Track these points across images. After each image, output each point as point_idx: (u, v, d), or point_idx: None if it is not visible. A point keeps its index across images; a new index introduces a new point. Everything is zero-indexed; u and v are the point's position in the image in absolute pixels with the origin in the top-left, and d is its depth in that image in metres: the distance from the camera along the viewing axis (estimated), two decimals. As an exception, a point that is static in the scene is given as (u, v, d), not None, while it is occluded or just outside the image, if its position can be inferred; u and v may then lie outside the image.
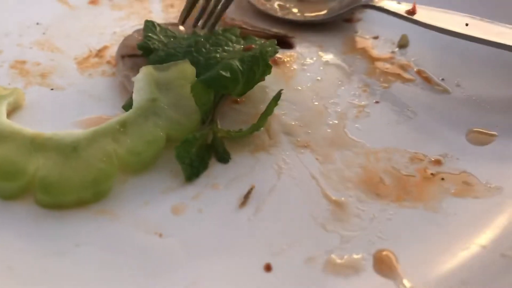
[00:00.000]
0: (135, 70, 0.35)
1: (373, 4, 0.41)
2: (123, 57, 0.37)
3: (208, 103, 0.31)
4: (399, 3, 0.40)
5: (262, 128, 0.31)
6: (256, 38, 0.37)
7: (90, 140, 0.28)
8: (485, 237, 0.26)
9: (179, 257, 0.26)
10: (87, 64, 0.39)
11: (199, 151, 0.29)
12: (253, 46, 0.34)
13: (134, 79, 0.31)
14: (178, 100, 0.30)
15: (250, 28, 0.42)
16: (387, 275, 0.24)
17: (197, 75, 0.32)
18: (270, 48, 0.34)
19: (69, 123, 0.33)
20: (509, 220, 0.27)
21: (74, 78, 0.38)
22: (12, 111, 0.33)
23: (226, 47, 0.34)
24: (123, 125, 0.29)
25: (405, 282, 0.24)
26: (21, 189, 0.28)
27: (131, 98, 0.31)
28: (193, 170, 0.29)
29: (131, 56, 0.37)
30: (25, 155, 0.28)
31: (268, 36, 0.41)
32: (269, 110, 0.31)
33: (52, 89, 0.37)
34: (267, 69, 0.33)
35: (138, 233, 0.26)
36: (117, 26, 0.43)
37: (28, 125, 0.32)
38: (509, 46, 0.34)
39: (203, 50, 0.34)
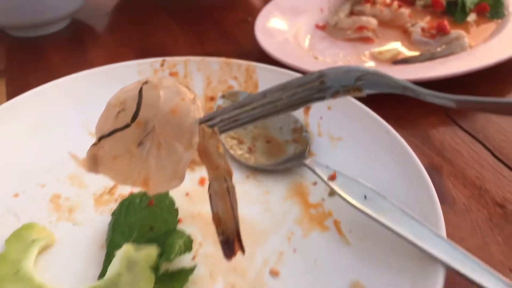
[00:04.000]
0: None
1: (308, 165, 0.56)
2: (100, 139, 0.39)
3: None
4: (327, 167, 0.55)
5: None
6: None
7: None
8: None
9: None
10: (101, 201, 0.56)
11: None
12: (153, 200, 0.50)
13: (116, 253, 0.47)
14: (134, 280, 0.44)
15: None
16: None
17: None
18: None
19: (81, 259, 0.50)
20: None
21: (89, 215, 0.55)
22: (44, 249, 0.51)
23: (135, 210, 0.50)
24: None
25: None
26: None
27: (105, 268, 0.47)
28: None
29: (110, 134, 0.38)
30: None
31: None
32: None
33: (74, 224, 0.54)
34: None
35: None
36: (127, 164, 0.60)
37: (53, 261, 0.49)
38: (385, 225, 0.48)
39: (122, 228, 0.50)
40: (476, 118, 0.70)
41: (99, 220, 0.54)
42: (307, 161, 0.56)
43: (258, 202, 0.56)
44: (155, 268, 0.46)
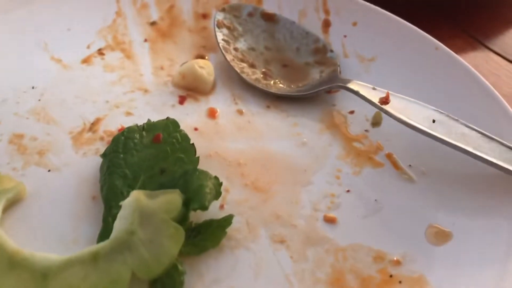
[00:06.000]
0: None
1: (350, 87, 0.44)
2: None
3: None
4: (374, 88, 0.44)
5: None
6: (155, 122, 0.40)
7: (60, 269, 0.30)
8: None
9: None
10: (82, 140, 0.42)
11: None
12: (160, 134, 0.39)
13: (122, 203, 0.34)
14: (155, 237, 0.32)
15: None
16: None
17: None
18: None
19: (66, 216, 0.36)
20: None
21: (69, 158, 0.40)
22: (12, 203, 0.36)
23: (136, 147, 0.38)
24: (95, 257, 0.31)
25: None
26: None
27: (107, 225, 0.34)
28: None
29: None
30: (0, 274, 0.30)
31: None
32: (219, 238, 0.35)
33: (49, 170, 0.39)
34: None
35: None
36: (110, 93, 0.46)
37: (26, 219, 0.35)
38: (467, 151, 0.38)
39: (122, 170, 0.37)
40: (506, 40, 0.61)
41: (83, 163, 0.40)
42: (349, 84, 0.44)
43: (288, 135, 0.44)
44: (180, 221, 0.33)
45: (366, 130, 0.45)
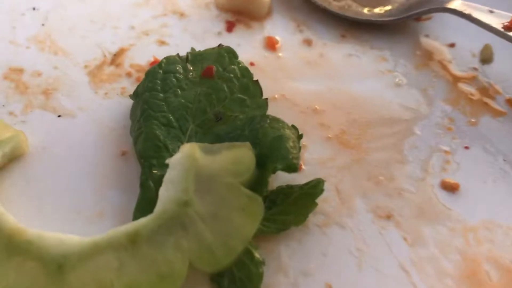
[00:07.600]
0: None
1: (458, 10, 0.33)
2: None
3: None
4: (491, 11, 0.32)
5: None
6: (203, 51, 0.29)
7: (83, 257, 0.20)
8: None
9: None
10: (101, 76, 0.31)
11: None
12: (213, 66, 0.28)
13: (169, 161, 0.23)
14: (220, 211, 0.21)
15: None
16: None
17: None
18: None
19: (86, 179, 0.26)
20: None
21: (86, 99, 0.30)
22: (10, 161, 0.26)
23: (180, 84, 0.27)
24: (133, 239, 0.21)
25: None
26: None
27: (147, 192, 0.23)
28: None
29: None
30: None
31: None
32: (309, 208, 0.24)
33: (59, 115, 0.29)
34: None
35: None
36: (135, 17, 0.35)
37: (29, 184, 0.25)
38: None
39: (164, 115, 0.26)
40: None
41: (104, 107, 0.29)
42: (455, 5, 0.33)
43: (375, 73, 0.33)
44: (253, 188, 0.23)
45: (475, 68, 0.34)
